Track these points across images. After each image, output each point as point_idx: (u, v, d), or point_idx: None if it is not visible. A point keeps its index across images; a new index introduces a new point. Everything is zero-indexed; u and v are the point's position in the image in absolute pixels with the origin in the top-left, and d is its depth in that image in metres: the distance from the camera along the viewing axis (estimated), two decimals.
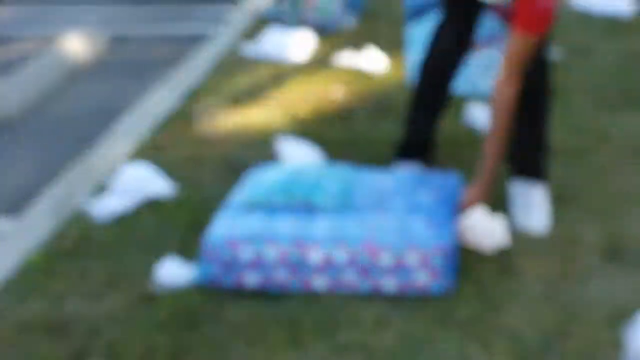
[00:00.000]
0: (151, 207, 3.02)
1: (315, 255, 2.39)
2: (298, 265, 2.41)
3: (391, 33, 4.93)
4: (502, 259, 2.57)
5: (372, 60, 4.39)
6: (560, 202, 2.88)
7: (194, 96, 4.13)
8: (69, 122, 4.17)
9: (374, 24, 5.14)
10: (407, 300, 2.39)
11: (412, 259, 2.37)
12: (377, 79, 4.18)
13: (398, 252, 2.37)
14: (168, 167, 3.32)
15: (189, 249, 2.70)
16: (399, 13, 5.30)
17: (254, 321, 2.34)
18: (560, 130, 3.44)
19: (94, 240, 2.81)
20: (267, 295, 2.44)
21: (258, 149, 3.44)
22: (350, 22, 5.17)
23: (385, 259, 2.37)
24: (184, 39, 5.47)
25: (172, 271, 2.53)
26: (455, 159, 3.22)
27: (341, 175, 2.70)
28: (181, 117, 3.84)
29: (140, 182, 3.11)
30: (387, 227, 2.44)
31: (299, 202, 2.54)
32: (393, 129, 3.54)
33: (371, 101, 3.91)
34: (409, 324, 2.28)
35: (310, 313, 2.35)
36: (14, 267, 2.68)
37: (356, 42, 4.80)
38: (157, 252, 2.70)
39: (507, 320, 2.29)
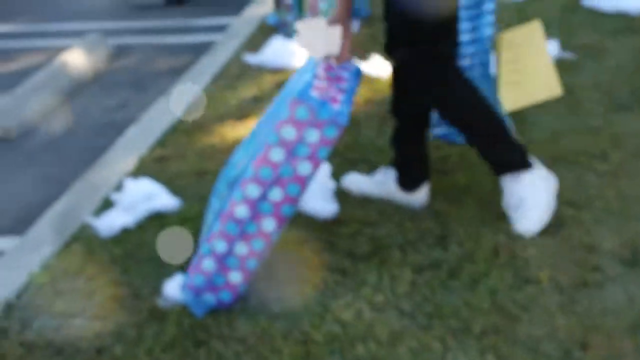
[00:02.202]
0: (156, 222, 2.99)
1: (239, 210, 2.33)
2: (244, 233, 2.36)
3: None
4: (518, 267, 2.53)
5: (377, 66, 4.36)
6: (574, 207, 2.84)
7: (197, 107, 4.10)
8: (72, 137, 4.15)
9: (377, 29, 5.10)
10: (422, 313, 2.35)
11: (301, 113, 2.25)
12: (382, 85, 4.14)
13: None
14: (172, 181, 3.29)
15: None
16: None
17: (265, 337, 2.30)
18: (571, 132, 3.40)
19: (100, 257, 2.78)
20: (276, 309, 2.41)
21: None
22: (353, 27, 5.13)
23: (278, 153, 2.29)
24: (187, 49, 5.45)
25: (180, 287, 2.49)
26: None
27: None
28: (185, 129, 3.81)
29: (144, 197, 3.08)
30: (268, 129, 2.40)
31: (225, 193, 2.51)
32: None
33: (376, 107, 3.88)
34: (424, 337, 2.25)
35: (322, 327, 2.32)
36: (19, 286, 2.65)
37: (360, 47, 4.77)
38: (164, 268, 2.67)
39: (525, 331, 2.25)
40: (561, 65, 4.11)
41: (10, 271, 2.77)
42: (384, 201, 2.98)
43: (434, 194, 2.98)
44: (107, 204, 3.16)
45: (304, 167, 2.29)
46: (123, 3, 6.72)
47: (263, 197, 2.31)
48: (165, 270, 2.65)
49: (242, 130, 3.74)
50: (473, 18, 3.03)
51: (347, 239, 2.76)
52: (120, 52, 5.49)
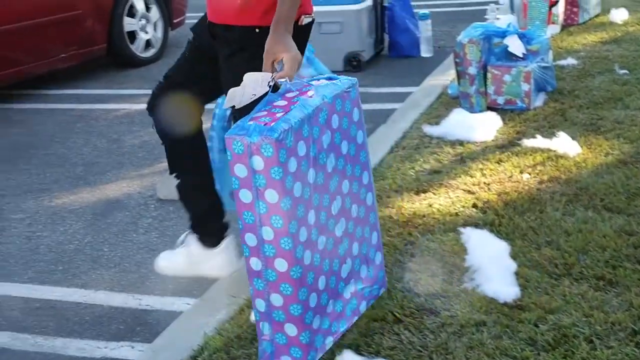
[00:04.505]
0: None
1: (252, 262, 2.36)
2: (268, 282, 2.37)
3: (583, 114, 4.78)
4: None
5: (563, 143, 4.26)
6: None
7: (374, 178, 4.13)
8: None
9: (564, 104, 5.00)
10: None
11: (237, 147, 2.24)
12: (569, 163, 4.04)
13: None
14: None
15: None
16: (591, 94, 5.15)
17: None
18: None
19: None
20: None
21: (441, 238, 3.37)
22: (539, 102, 5.06)
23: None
24: (365, 116, 5.53)
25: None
26: None
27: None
28: None
29: None
30: None
31: None
32: (589, 217, 3.39)
33: (563, 186, 3.77)
34: None
35: None
36: (194, 347, 2.74)
37: (546, 123, 4.68)
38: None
39: None
40: None
41: (186, 331, 2.87)
42: (569, 287, 2.87)
43: (626, 285, 2.84)
44: None
45: (271, 195, 2.25)
46: None
47: (260, 241, 2.32)
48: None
49: (419, 204, 3.74)
50: None
51: (529, 325, 2.68)
52: None
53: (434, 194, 3.84)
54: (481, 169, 4.08)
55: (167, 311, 3.19)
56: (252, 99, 2.42)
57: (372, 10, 6.97)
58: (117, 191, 4.56)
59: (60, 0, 6.91)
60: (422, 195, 3.85)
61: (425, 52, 7.16)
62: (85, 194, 4.56)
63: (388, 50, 7.30)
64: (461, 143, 4.51)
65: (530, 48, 5.08)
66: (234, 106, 2.47)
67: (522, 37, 5.10)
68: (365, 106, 5.71)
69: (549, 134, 4.45)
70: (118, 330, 3.10)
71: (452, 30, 7.87)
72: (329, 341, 2.54)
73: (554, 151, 4.20)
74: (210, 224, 3.11)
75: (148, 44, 7.82)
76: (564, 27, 7.14)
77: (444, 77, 6.01)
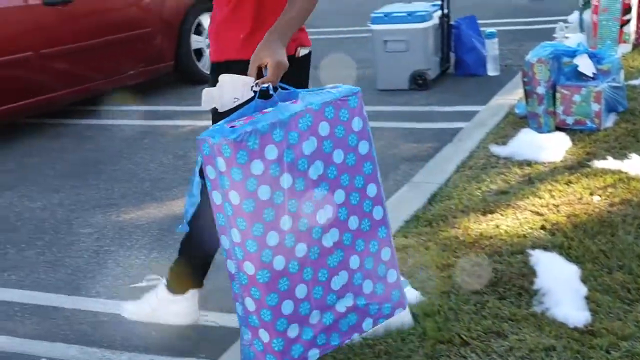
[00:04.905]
0: None
1: (229, 265, 2.40)
2: (242, 286, 2.39)
3: None
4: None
5: (635, 164, 4.18)
6: None
7: (440, 198, 4.12)
8: None
9: (636, 124, 4.91)
10: None
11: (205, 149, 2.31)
12: None
13: None
14: (413, 272, 3.31)
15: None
16: None
17: None
18: None
19: None
20: None
21: (509, 260, 3.34)
22: (610, 122, 4.98)
23: None
24: (430, 135, 5.53)
25: None
26: None
27: None
28: (428, 219, 3.84)
29: None
30: None
31: None
32: None
33: (635, 209, 3.70)
34: None
35: None
36: None
37: (617, 144, 4.60)
38: None
39: None
40: None
41: None
42: None
43: None
44: None
45: (234, 197, 2.26)
46: (369, 87, 6.96)
47: (231, 243, 2.32)
48: None
49: (486, 225, 3.70)
50: None
51: (600, 352, 2.63)
52: None
53: (501, 215, 3.80)
54: (550, 190, 4.02)
55: (232, 328, 3.20)
56: (236, 103, 2.44)
57: (438, 29, 6.95)
58: (183, 207, 4.61)
59: (131, 18, 7.06)
60: (489, 216, 3.81)
61: (491, 70, 7.11)
62: (151, 210, 4.63)
63: (454, 68, 7.27)
64: (529, 163, 4.46)
65: (600, 67, 5.01)
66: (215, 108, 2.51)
67: (592, 56, 5.04)
68: (430, 125, 5.75)
69: (620, 155, 4.37)
70: (183, 346, 3.14)
71: (519, 49, 7.80)
72: (314, 353, 2.47)
73: (626, 173, 4.12)
74: (189, 273, 3.12)
75: None
76: (636, 46, 7.01)
77: (511, 96, 5.96)
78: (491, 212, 3.84)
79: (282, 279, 2.34)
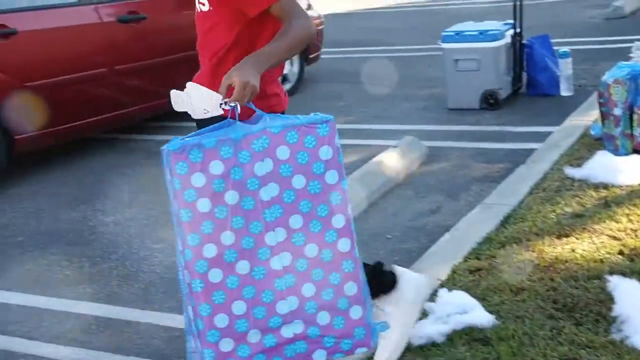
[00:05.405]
0: (467, 337, 2.98)
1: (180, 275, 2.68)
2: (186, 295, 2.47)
3: None
4: None
5: None
6: None
7: (513, 220, 4.08)
8: (383, 238, 4.30)
9: None
10: None
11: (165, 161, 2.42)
12: None
13: None
14: (486, 295, 3.28)
15: None
16: None
17: None
18: None
19: None
20: None
21: (586, 285, 3.28)
22: None
23: None
24: (502, 156, 5.48)
25: None
26: None
27: None
28: (501, 242, 3.80)
29: (458, 310, 3.11)
30: None
31: None
32: None
33: None
34: None
35: None
36: None
37: None
38: None
39: None
40: None
41: None
42: None
43: None
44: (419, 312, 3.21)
45: (175, 204, 2.35)
46: (439, 106, 6.94)
47: (178, 249, 2.39)
48: None
49: (561, 248, 3.65)
50: None
51: None
52: (433, 155, 5.64)
53: (576, 238, 3.74)
54: (627, 215, 3.95)
55: None
56: (205, 115, 2.49)
57: (510, 48, 6.90)
58: None
59: None
60: (564, 239, 3.76)
61: (565, 90, 7.03)
62: None
63: (526, 88, 7.20)
64: (605, 186, 4.38)
65: None
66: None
67: None
68: (502, 145, 5.70)
69: None
70: None
71: (593, 69, 7.70)
72: None
73: None
74: None
75: (284, 78, 8.00)
76: None
77: (585, 117, 5.87)
78: (566, 236, 3.79)
79: (218, 292, 2.38)
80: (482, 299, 3.24)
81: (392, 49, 9.72)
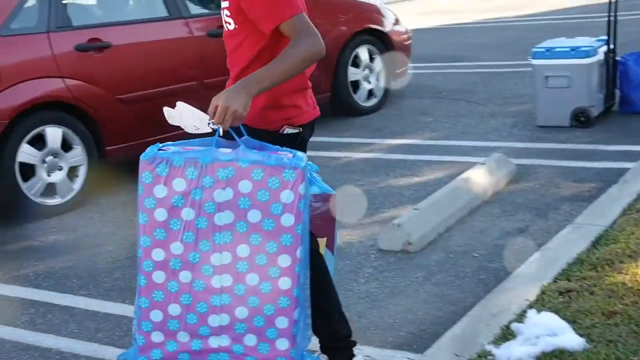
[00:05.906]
0: None
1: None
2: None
3: None
4: None
5: None
6: None
7: (605, 241, 3.99)
8: (469, 256, 4.25)
9: None
10: None
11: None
12: None
13: None
14: (577, 318, 3.22)
15: None
16: None
17: None
18: None
19: None
20: None
21: None
22: None
23: None
24: (593, 175, 5.37)
25: None
26: None
27: None
28: (593, 263, 3.72)
29: (548, 332, 3.06)
30: None
31: None
32: None
33: None
34: None
35: None
36: None
37: None
38: None
39: None
40: None
41: None
42: None
43: None
44: (507, 333, 3.17)
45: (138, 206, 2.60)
46: (528, 123, 6.85)
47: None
48: None
49: None
50: None
51: None
52: (522, 173, 5.56)
53: None
54: None
55: None
56: (196, 131, 2.63)
57: (602, 65, 6.76)
58: (338, 239, 4.67)
59: None
60: None
61: None
62: None
63: (619, 106, 7.04)
64: None
65: None
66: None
67: None
68: (593, 164, 5.58)
69: None
70: None
71: None
72: None
73: None
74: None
75: (370, 93, 8.01)
76: None
77: None
78: None
79: (158, 291, 2.64)
80: (572, 322, 3.17)
81: (479, 65, 9.63)
